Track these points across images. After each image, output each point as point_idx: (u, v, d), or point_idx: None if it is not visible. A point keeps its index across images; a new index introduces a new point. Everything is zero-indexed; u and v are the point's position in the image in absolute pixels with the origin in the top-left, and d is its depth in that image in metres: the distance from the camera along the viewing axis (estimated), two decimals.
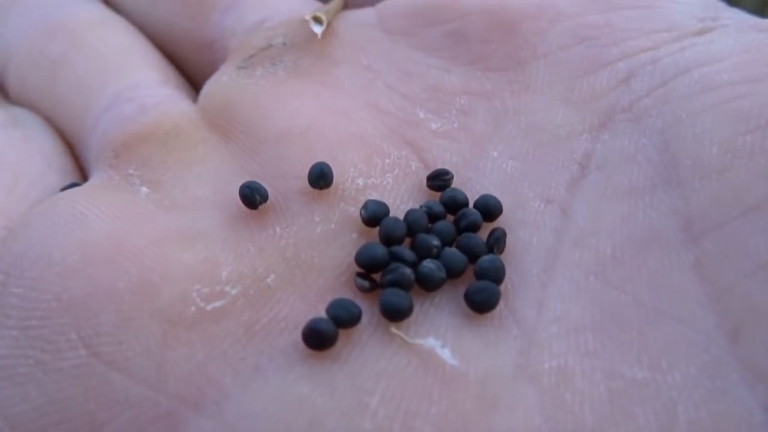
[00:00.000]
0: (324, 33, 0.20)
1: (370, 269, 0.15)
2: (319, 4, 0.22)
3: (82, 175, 0.20)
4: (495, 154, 0.17)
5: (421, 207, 0.16)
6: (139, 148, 0.18)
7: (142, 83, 0.20)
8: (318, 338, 0.13)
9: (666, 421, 0.12)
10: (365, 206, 0.16)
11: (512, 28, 0.18)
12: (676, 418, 0.12)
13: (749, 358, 0.12)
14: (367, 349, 0.13)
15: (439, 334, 0.14)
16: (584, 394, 0.12)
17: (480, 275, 0.14)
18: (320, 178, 0.16)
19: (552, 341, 0.13)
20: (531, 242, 0.15)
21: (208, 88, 0.20)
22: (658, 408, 0.12)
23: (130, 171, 0.17)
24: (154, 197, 0.16)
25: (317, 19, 0.20)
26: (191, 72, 0.22)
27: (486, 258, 0.15)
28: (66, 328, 0.13)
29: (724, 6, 0.19)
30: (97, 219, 0.15)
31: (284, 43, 0.20)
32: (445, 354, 0.13)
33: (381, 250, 0.15)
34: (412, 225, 0.15)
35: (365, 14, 0.21)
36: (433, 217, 0.16)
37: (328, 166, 0.16)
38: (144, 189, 0.17)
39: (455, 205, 0.16)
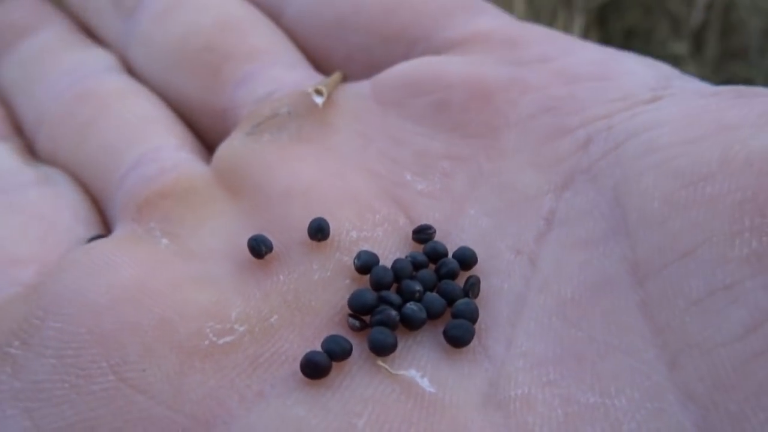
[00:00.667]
0: (324, 104, 0.22)
1: (361, 311, 0.17)
2: (321, 78, 0.24)
3: (106, 227, 0.23)
4: (472, 211, 0.19)
5: (406, 257, 0.18)
6: (160, 204, 0.20)
7: (163, 147, 0.23)
8: (314, 368, 0.15)
9: None
10: (358, 256, 0.18)
11: (487, 99, 0.21)
12: None
13: (684, 382, 0.14)
14: (357, 379, 0.15)
15: (419, 366, 0.16)
16: (544, 417, 0.14)
17: (456, 315, 0.17)
18: (318, 231, 0.18)
19: (518, 373, 0.15)
20: (502, 288, 0.17)
21: (221, 151, 0.22)
22: (606, 427, 0.14)
23: (152, 225, 0.20)
24: (173, 248, 0.19)
25: (318, 92, 0.23)
26: (205, 135, 0.25)
27: (462, 301, 0.17)
28: (98, 357, 0.15)
29: (677, 75, 0.21)
30: (124, 265, 0.17)
31: (289, 113, 0.22)
32: (424, 383, 0.15)
33: (371, 295, 0.17)
34: (398, 272, 0.18)
35: (361, 86, 0.23)
36: (416, 265, 0.18)
37: (325, 221, 0.18)
38: (164, 240, 0.19)
39: (436, 255, 0.18)
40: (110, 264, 0.17)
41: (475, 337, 0.17)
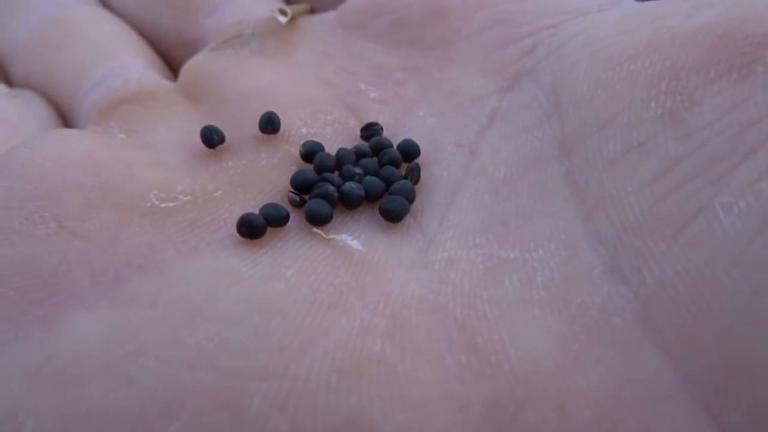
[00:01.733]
0: (289, 26, 0.23)
1: (302, 189, 0.17)
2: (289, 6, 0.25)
3: None
4: (420, 113, 0.20)
5: (351, 148, 0.19)
6: (120, 108, 0.21)
7: (129, 65, 0.23)
8: (248, 227, 0.16)
9: (526, 282, 0.14)
10: (304, 144, 0.19)
11: (443, 15, 0.22)
12: (534, 279, 0.14)
13: (596, 230, 0.15)
14: (290, 242, 0.16)
15: (352, 233, 0.17)
16: (465, 271, 0.15)
17: (393, 194, 0.17)
18: (268, 123, 0.19)
19: (447, 241, 0.16)
20: (442, 175, 0.18)
21: (186, 66, 0.23)
22: (522, 275, 0.15)
23: (111, 124, 0.20)
24: (129, 140, 0.20)
25: (282, 12, 0.23)
26: (176, 65, 0.26)
27: (400, 182, 0.17)
28: (40, 208, 0.16)
29: None
30: (77, 141, 0.18)
31: (253, 33, 0.23)
32: (355, 244, 0.16)
33: (312, 174, 0.18)
34: (340, 159, 0.18)
35: (327, 15, 0.24)
36: (360, 155, 0.19)
37: (275, 114, 0.19)
38: (121, 135, 0.20)
39: (380, 146, 0.19)
40: (62, 139, 0.18)
41: (411, 216, 0.17)
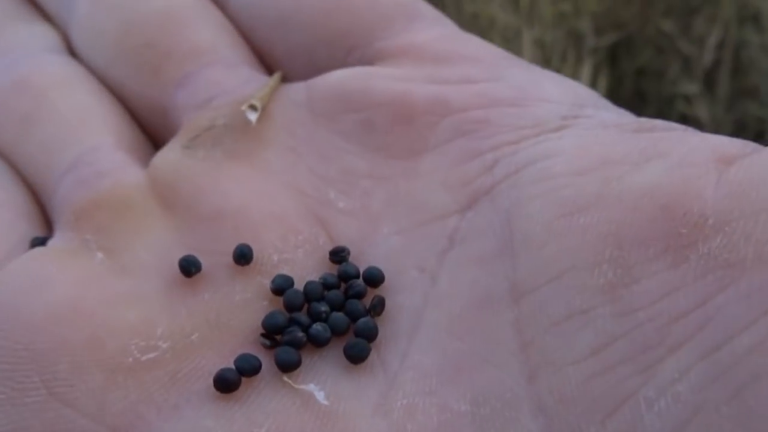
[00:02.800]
0: (259, 116, 0.23)
1: (273, 331, 0.19)
2: (261, 80, 0.25)
3: (47, 223, 0.24)
4: (385, 230, 0.21)
5: (319, 279, 0.20)
6: (95, 215, 0.21)
7: (99, 147, 0.23)
8: (224, 384, 0.17)
9: None
10: (273, 280, 0.20)
11: (411, 120, 0.22)
12: None
13: (537, 395, 0.16)
14: (263, 394, 0.17)
15: (320, 381, 0.18)
16: (421, 424, 0.16)
17: (357, 334, 0.18)
18: (241, 257, 0.20)
19: (406, 384, 0.17)
20: (404, 305, 0.19)
21: (157, 161, 0.23)
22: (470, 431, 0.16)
23: (88, 237, 0.21)
24: (107, 263, 0.20)
25: (253, 107, 0.23)
26: (146, 125, 0.26)
27: (362, 320, 0.19)
28: (31, 373, 0.17)
29: (593, 101, 0.22)
30: (60, 282, 0.19)
31: (225, 125, 0.23)
32: (320, 396, 0.17)
33: (281, 317, 0.19)
34: (308, 295, 0.19)
35: (297, 90, 0.24)
36: (328, 287, 0.20)
37: (248, 247, 0.20)
38: (99, 255, 0.20)
39: (347, 276, 0.20)
40: (47, 281, 0.19)
41: (375, 351, 0.19)
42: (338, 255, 0.20)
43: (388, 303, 0.19)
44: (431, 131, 0.22)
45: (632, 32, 0.57)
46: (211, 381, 0.17)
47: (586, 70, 0.55)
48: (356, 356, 0.18)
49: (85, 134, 0.24)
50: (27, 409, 0.17)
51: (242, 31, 0.26)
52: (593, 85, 0.55)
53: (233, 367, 0.18)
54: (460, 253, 0.19)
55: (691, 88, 0.62)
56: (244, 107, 0.24)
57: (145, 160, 0.24)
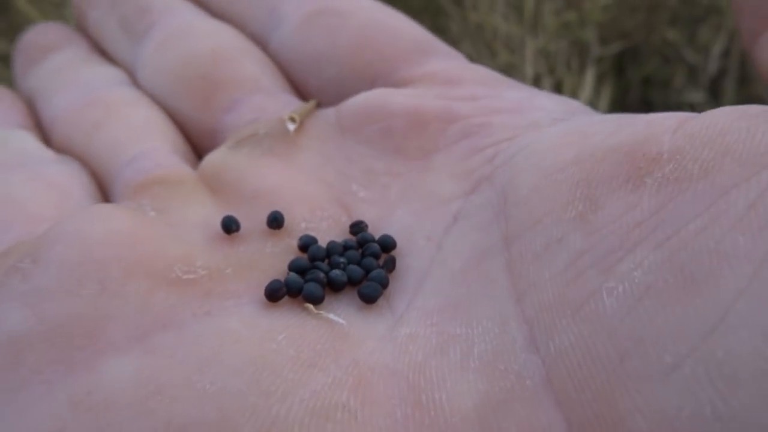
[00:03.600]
0: (296, 129, 0.28)
1: (297, 271, 0.22)
2: (299, 105, 0.30)
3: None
4: (400, 212, 0.24)
5: (341, 241, 0.23)
6: (152, 188, 0.26)
7: (159, 148, 0.28)
8: (273, 291, 0.21)
9: (466, 353, 0.18)
10: (300, 238, 0.23)
11: (423, 128, 0.26)
12: (473, 351, 0.18)
13: (522, 310, 0.19)
14: (285, 313, 0.20)
15: (335, 311, 0.21)
16: (421, 345, 0.19)
17: (370, 280, 0.22)
18: (274, 221, 0.23)
19: (410, 320, 0.20)
20: (412, 266, 0.22)
21: (206, 159, 0.27)
22: (464, 347, 0.18)
23: (144, 202, 0.25)
24: (159, 217, 0.24)
25: (292, 119, 0.28)
26: (196, 147, 0.30)
27: (376, 270, 0.22)
28: (88, 273, 0.20)
29: (584, 111, 0.26)
30: (118, 217, 0.23)
31: (265, 133, 0.28)
32: (338, 318, 0.20)
33: (306, 262, 0.22)
34: (329, 250, 0.23)
35: (328, 114, 0.29)
36: (347, 248, 0.23)
37: (280, 213, 0.24)
38: (152, 213, 0.24)
39: (364, 241, 0.23)
40: (106, 215, 0.23)
41: (384, 299, 0.21)
42: (357, 226, 0.24)
43: (398, 264, 0.22)
44: (441, 135, 0.26)
45: (637, 41, 0.58)
46: (239, 301, 0.21)
47: (591, 79, 0.55)
48: (369, 296, 0.21)
49: (148, 138, 0.29)
50: (82, 299, 0.20)
51: (281, 66, 0.31)
52: (598, 94, 0.55)
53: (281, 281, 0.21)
54: (462, 225, 0.22)
55: (697, 96, 0.63)
56: (285, 117, 0.28)
57: (195, 167, 0.28)
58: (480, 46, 0.53)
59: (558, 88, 0.54)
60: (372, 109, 0.27)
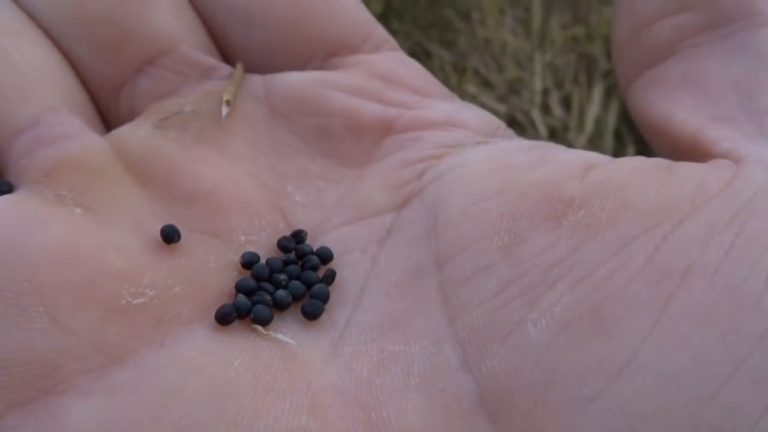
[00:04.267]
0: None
1: (245, 293, 0.23)
2: (223, 68, 0.27)
3: None
4: (335, 221, 0.25)
5: (279, 258, 0.24)
6: (68, 174, 0.23)
7: (58, 110, 0.25)
8: (224, 316, 0.22)
9: (406, 372, 0.20)
10: (243, 255, 0.24)
11: (359, 135, 0.27)
12: (412, 369, 0.20)
13: (455, 332, 0.21)
14: (237, 337, 0.22)
15: (282, 331, 0.22)
16: (364, 362, 0.21)
17: (312, 297, 0.23)
18: (167, 236, 0.23)
19: (352, 336, 0.22)
20: (350, 278, 0.24)
21: (126, 135, 0.25)
22: (404, 365, 0.21)
23: (63, 192, 0.23)
24: (89, 216, 0.23)
25: (228, 102, 0.26)
26: (94, 94, 0.27)
27: (317, 285, 0.23)
28: (35, 303, 0.20)
29: (502, 130, 0.28)
30: (54, 225, 0.22)
31: (192, 111, 0.27)
32: (287, 338, 0.22)
33: (252, 282, 0.23)
34: (271, 267, 0.24)
35: (256, 85, 0.28)
36: (287, 262, 0.24)
37: (174, 228, 0.23)
38: (78, 210, 0.23)
39: (303, 254, 0.24)
40: (41, 222, 0.21)
41: (326, 313, 0.23)
42: (298, 236, 0.25)
43: (336, 276, 0.24)
44: (376, 146, 0.27)
45: None
46: (192, 326, 0.21)
47: (598, 93, 0.56)
48: (312, 313, 0.22)
49: (42, 92, 0.25)
50: (33, 333, 0.19)
51: (201, 17, 0.29)
52: (605, 107, 0.56)
53: (230, 306, 0.22)
54: (395, 240, 0.24)
55: None
56: (222, 98, 0.26)
57: (97, 130, 0.26)
58: (488, 61, 0.52)
59: (566, 102, 0.55)
60: (309, 101, 0.27)
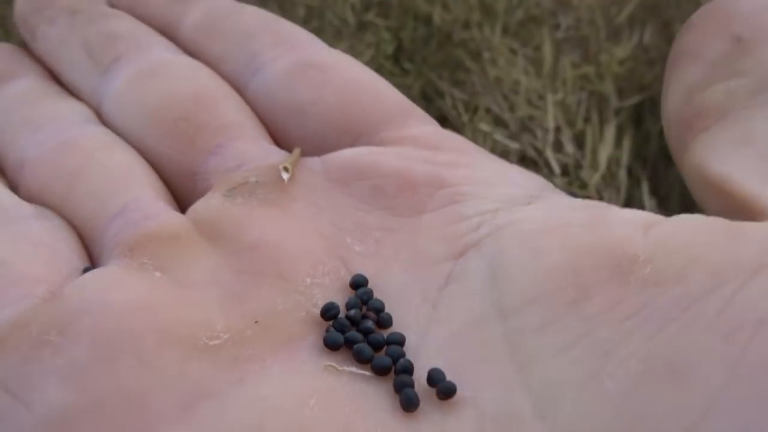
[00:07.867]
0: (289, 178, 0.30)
1: (333, 348, 0.25)
2: (282, 153, 0.31)
3: (92, 263, 0.28)
4: (395, 269, 0.27)
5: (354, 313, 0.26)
6: (149, 245, 0.26)
7: (142, 197, 0.29)
8: (334, 342, 0.24)
9: (480, 417, 0.22)
10: (325, 306, 0.25)
11: (413, 190, 0.29)
12: (485, 415, 0.21)
13: (526, 380, 0.21)
14: (308, 375, 0.23)
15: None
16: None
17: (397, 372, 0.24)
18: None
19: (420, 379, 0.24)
20: (411, 323, 0.26)
21: (200, 206, 0.29)
22: (477, 410, 0.22)
23: (144, 261, 0.26)
24: (166, 278, 0.25)
25: (286, 169, 0.29)
26: (174, 188, 0.31)
27: (402, 360, 0.24)
28: (122, 345, 0.21)
29: (550, 189, 0.30)
30: (134, 284, 0.24)
31: (257, 181, 0.29)
32: (363, 371, 0.24)
33: (340, 338, 0.25)
34: (352, 321, 0.25)
35: (313, 162, 0.31)
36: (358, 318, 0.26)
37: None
38: (157, 273, 0.25)
39: (376, 311, 0.26)
40: (122, 282, 0.24)
41: None
42: (357, 283, 0.27)
43: (397, 321, 0.25)
44: (430, 198, 0.29)
45: (655, 93, 0.59)
46: (265, 364, 0.23)
47: (611, 131, 0.56)
48: (408, 404, 0.23)
49: (130, 186, 0.29)
50: (122, 373, 0.21)
51: (258, 113, 0.33)
52: (618, 145, 0.56)
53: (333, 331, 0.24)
54: (454, 288, 0.26)
55: None
56: (279, 166, 0.30)
57: (178, 211, 0.29)
58: (499, 100, 0.53)
59: (578, 140, 0.56)
60: (362, 166, 0.30)
